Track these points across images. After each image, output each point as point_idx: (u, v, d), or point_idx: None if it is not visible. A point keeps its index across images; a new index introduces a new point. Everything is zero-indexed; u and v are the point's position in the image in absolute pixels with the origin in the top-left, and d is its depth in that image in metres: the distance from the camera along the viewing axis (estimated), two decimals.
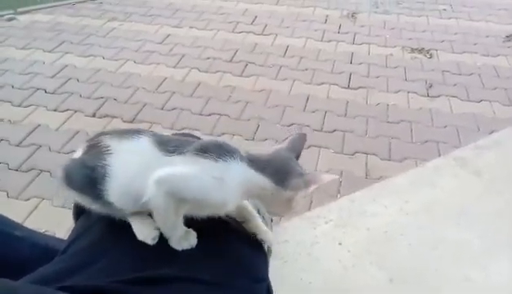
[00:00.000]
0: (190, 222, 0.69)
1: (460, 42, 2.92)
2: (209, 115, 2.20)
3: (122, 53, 2.80)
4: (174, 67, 2.64)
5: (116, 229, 0.69)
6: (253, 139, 2.03)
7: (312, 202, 1.60)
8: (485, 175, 1.64)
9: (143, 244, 0.66)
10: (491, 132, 2.03)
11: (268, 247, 1.01)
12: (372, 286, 1.07)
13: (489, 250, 1.33)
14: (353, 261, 1.01)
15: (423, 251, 1.31)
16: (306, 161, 1.90)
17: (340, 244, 1.13)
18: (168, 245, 0.66)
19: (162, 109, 2.25)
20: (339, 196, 1.66)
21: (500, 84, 2.44)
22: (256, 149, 0.79)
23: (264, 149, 0.81)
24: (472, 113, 2.19)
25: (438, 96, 2.35)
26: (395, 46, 2.86)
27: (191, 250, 0.66)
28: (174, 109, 2.25)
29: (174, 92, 2.38)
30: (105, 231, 0.70)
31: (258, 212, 1.01)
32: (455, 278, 1.23)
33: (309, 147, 1.97)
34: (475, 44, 2.89)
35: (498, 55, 2.75)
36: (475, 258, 1.32)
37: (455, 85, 2.45)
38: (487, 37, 2.99)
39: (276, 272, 0.96)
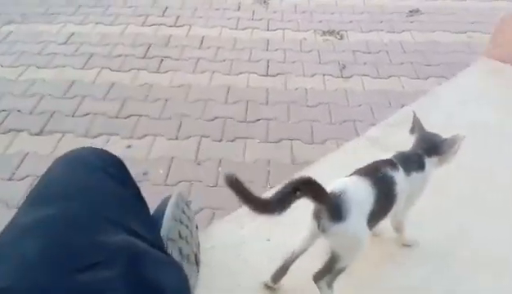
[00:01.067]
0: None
1: (367, 21, 3.05)
2: (127, 117, 2.09)
3: (22, 58, 2.56)
4: (82, 68, 2.47)
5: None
6: (176, 138, 1.97)
7: None
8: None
9: None
10: (402, 106, 2.15)
11: (197, 258, 0.98)
12: (306, 279, 1.08)
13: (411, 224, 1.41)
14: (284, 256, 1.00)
15: None
16: (233, 153, 1.90)
17: (269, 240, 1.11)
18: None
19: (73, 115, 2.10)
20: (269, 187, 1.67)
21: (407, 59, 2.60)
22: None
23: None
24: (383, 90, 2.31)
25: (351, 76, 2.44)
26: (307, 30, 2.92)
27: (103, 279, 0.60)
28: (87, 114, 2.11)
29: (85, 96, 2.23)
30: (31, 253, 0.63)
31: (183, 213, 0.96)
32: (394, 253, 1.27)
33: (234, 139, 1.96)
34: (381, 22, 3.04)
35: (403, 30, 2.92)
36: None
37: (365, 64, 2.56)
38: (392, 13, 3.15)
39: (204, 281, 0.93)
